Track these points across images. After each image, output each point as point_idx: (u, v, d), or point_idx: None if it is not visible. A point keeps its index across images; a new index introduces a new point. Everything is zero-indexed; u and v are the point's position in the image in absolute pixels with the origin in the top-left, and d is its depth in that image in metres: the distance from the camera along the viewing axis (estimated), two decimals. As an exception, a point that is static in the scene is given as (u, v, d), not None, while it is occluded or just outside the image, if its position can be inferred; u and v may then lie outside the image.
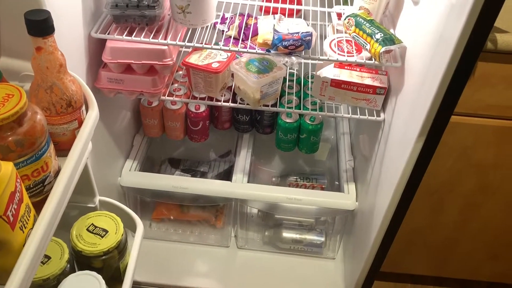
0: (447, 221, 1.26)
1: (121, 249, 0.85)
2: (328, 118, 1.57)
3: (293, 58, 0.95)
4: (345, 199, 1.31)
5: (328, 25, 1.18)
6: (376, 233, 1.10)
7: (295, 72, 1.38)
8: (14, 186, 0.50)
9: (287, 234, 1.44)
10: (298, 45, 0.96)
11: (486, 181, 1.13)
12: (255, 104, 1.09)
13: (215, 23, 1.22)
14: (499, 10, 0.67)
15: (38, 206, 0.58)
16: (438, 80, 0.78)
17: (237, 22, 1.23)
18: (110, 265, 0.87)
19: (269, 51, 0.97)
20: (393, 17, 1.11)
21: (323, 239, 1.43)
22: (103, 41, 1.00)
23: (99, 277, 0.80)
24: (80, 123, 0.68)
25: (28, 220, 0.55)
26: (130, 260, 0.87)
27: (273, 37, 0.95)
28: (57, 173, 0.63)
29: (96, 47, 1.01)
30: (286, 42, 0.95)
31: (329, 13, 1.16)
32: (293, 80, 1.35)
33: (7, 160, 0.51)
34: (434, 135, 0.87)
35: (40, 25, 0.58)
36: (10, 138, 0.53)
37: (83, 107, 0.68)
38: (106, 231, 0.85)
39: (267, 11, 1.19)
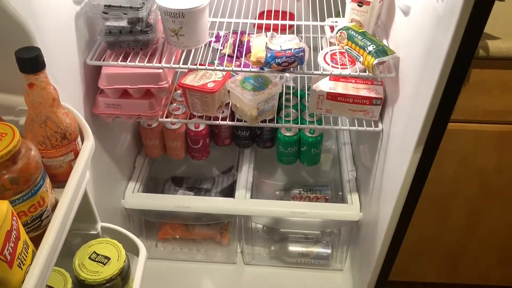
0: (454, 228, 1.25)
1: (124, 275, 0.85)
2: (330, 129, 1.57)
3: (287, 74, 0.96)
4: (349, 210, 1.30)
5: (321, 38, 1.19)
6: (381, 242, 1.09)
7: (291, 85, 1.38)
8: (10, 224, 0.50)
9: (293, 248, 1.43)
10: (291, 62, 0.96)
11: (490, 186, 1.13)
12: (252, 121, 1.10)
13: (210, 42, 1.23)
14: (486, 19, 0.67)
15: (37, 241, 0.58)
16: (432, 90, 0.78)
17: (231, 40, 1.24)
18: None
19: (263, 69, 0.97)
20: (386, 27, 1.12)
21: (329, 251, 1.42)
22: (99, 68, 1.02)
23: None
24: (76, 154, 0.68)
25: (26, 256, 0.55)
26: (134, 286, 0.87)
27: (266, 55, 0.96)
28: (54, 206, 0.63)
29: (92, 74, 1.03)
30: (279, 59, 0.95)
31: (321, 26, 1.17)
32: (290, 93, 1.36)
33: (3, 198, 0.52)
34: (432, 143, 0.86)
35: (31, 62, 0.58)
36: (5, 177, 0.54)
37: (79, 138, 0.69)
38: (108, 259, 0.85)
39: (260, 27, 1.20)
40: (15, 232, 0.51)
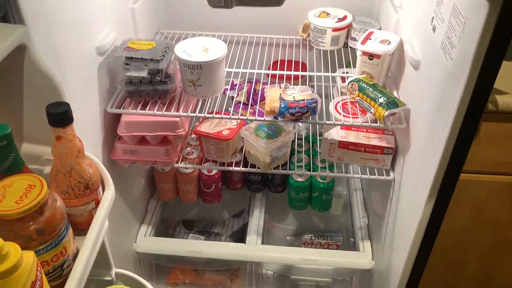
0: (468, 279, 1.23)
1: None
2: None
3: (300, 124, 0.98)
4: (360, 258, 1.29)
5: (332, 86, 1.22)
6: (394, 294, 1.08)
7: (304, 134, 1.41)
8: (35, 275, 0.52)
9: (304, 296, 1.41)
10: (304, 112, 0.99)
11: (503, 236, 1.12)
12: (265, 168, 1.12)
13: (225, 90, 1.28)
14: (495, 78, 0.70)
15: None
16: (443, 145, 0.80)
17: (245, 88, 1.29)
18: None
19: (277, 118, 1.00)
20: (396, 79, 1.15)
21: (341, 299, 1.40)
22: (118, 115, 1.05)
23: None
24: (97, 203, 0.71)
25: None
26: None
27: (280, 106, 0.99)
28: (75, 255, 0.64)
29: (111, 121, 1.06)
30: (293, 109, 0.98)
31: (333, 76, 1.21)
32: (302, 138, 1.38)
33: (28, 248, 0.53)
34: (444, 196, 0.87)
35: (60, 117, 0.62)
36: (32, 227, 0.56)
37: (100, 188, 0.71)
38: None
39: (274, 77, 1.24)
40: (39, 282, 0.53)
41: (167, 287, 1.47)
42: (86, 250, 0.62)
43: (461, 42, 0.73)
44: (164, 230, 1.50)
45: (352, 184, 1.57)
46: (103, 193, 0.72)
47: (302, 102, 1.00)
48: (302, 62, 1.35)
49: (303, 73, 1.21)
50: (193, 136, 1.35)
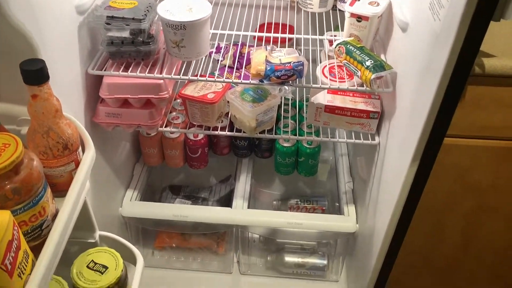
0: (449, 242, 1.25)
1: (121, 284, 0.86)
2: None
3: (286, 87, 0.97)
4: (345, 221, 1.31)
5: (320, 50, 1.20)
6: (377, 254, 1.10)
7: (290, 97, 1.39)
8: (12, 234, 0.51)
9: (289, 259, 1.43)
10: (291, 75, 0.97)
11: (486, 201, 1.14)
12: (251, 132, 1.11)
13: (210, 53, 1.25)
14: (482, 39, 0.69)
15: (37, 250, 0.59)
16: (428, 106, 0.80)
17: (231, 51, 1.26)
18: None
19: (263, 81, 0.99)
20: (384, 42, 1.13)
21: (325, 262, 1.43)
22: (100, 77, 1.03)
23: None
24: (77, 164, 0.69)
25: (26, 266, 0.55)
26: None
27: (266, 68, 0.97)
28: (54, 216, 0.64)
29: (93, 83, 1.04)
30: (279, 72, 0.96)
31: (320, 40, 1.18)
32: (289, 104, 1.37)
33: (5, 208, 0.53)
34: (428, 158, 0.88)
35: (35, 74, 0.60)
36: (7, 187, 0.55)
37: (80, 149, 0.70)
38: (106, 267, 0.85)
39: (260, 40, 1.21)
40: (16, 242, 0.52)
41: (154, 251, 1.48)
42: (66, 210, 0.62)
43: (450, 2, 0.71)
44: (150, 195, 1.50)
45: (339, 149, 1.57)
46: (83, 155, 0.71)
47: (289, 65, 0.98)
48: (289, 25, 1.32)
49: (291, 36, 1.19)
50: (178, 100, 1.33)
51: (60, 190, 0.68)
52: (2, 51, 0.67)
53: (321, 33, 1.19)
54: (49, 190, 0.62)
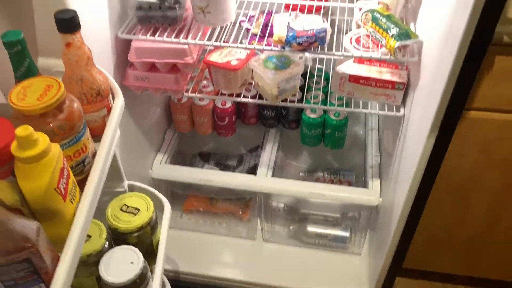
0: (475, 219, 1.22)
1: (152, 225, 0.94)
2: (358, 113, 1.56)
3: (307, 54, 0.97)
4: (368, 194, 1.30)
5: (352, 20, 1.18)
6: (394, 229, 1.10)
7: (323, 67, 1.38)
8: (62, 163, 0.58)
9: (312, 229, 1.45)
10: (312, 42, 0.97)
11: (513, 178, 1.09)
12: (273, 100, 1.12)
13: (241, 21, 1.26)
14: (504, 2, 0.66)
15: (80, 185, 0.66)
16: (447, 74, 0.77)
17: (261, 20, 1.26)
18: (143, 241, 0.95)
19: (284, 48, 0.99)
20: (415, 10, 1.10)
21: (348, 234, 1.43)
22: (130, 41, 1.07)
23: (136, 250, 0.89)
24: (109, 110, 0.76)
25: (75, 194, 0.63)
26: (161, 236, 0.96)
27: (287, 34, 0.97)
28: (94, 154, 0.71)
29: (124, 47, 1.08)
30: (300, 39, 0.96)
31: (352, 8, 1.16)
32: (321, 75, 1.36)
33: (53, 142, 0.59)
34: (447, 130, 0.85)
35: (68, 22, 0.66)
36: (53, 123, 0.61)
37: (110, 96, 0.76)
38: (138, 209, 0.93)
39: (293, 9, 1.20)
40: (66, 170, 0.60)
41: (182, 213, 1.54)
42: (104, 147, 0.68)
43: (472, -37, 0.68)
44: (181, 161, 1.55)
45: (370, 123, 1.55)
46: (113, 102, 0.77)
47: (311, 31, 0.98)
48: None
49: (319, 3, 1.17)
50: (210, 69, 1.35)
51: (95, 135, 0.74)
52: (37, 5, 0.73)
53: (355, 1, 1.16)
54: (88, 130, 0.69)
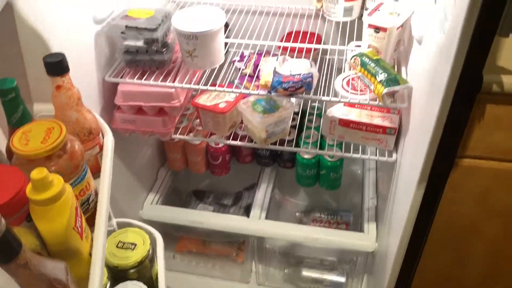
0: (475, 269, 1.16)
1: (150, 258, 0.92)
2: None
3: (293, 100, 0.95)
4: (364, 240, 1.25)
5: (345, 61, 1.17)
6: (389, 276, 1.05)
7: (316, 105, 1.36)
8: (75, 202, 0.58)
9: (307, 273, 1.40)
10: (299, 87, 0.95)
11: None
12: (262, 143, 1.09)
13: (233, 61, 1.25)
14: (486, 54, 0.63)
15: (87, 223, 0.66)
16: (433, 124, 0.75)
17: (253, 60, 1.25)
18: (143, 275, 0.93)
19: (270, 93, 0.97)
20: (407, 55, 1.08)
21: (344, 280, 1.37)
22: (118, 85, 1.06)
23: (141, 283, 0.88)
24: (101, 147, 0.76)
25: (88, 231, 0.63)
26: (159, 268, 0.94)
27: (273, 80, 0.95)
28: (95, 191, 0.71)
29: (111, 91, 1.08)
30: (286, 84, 0.95)
31: (344, 50, 1.15)
32: (314, 113, 1.34)
33: None
34: (438, 179, 0.82)
35: (57, 65, 0.67)
36: (59, 164, 0.62)
37: (100, 133, 0.77)
38: (135, 244, 0.91)
39: (285, 49, 1.19)
40: (78, 209, 0.59)
41: (175, 254, 1.51)
42: (105, 181, 0.69)
43: (453, 14, 0.66)
44: (175, 199, 1.52)
45: (367, 163, 1.51)
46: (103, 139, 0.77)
47: (298, 76, 0.96)
48: (317, 34, 1.29)
49: (310, 46, 1.15)
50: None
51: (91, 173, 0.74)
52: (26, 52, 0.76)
53: (348, 43, 1.15)
54: (88, 168, 0.69)
